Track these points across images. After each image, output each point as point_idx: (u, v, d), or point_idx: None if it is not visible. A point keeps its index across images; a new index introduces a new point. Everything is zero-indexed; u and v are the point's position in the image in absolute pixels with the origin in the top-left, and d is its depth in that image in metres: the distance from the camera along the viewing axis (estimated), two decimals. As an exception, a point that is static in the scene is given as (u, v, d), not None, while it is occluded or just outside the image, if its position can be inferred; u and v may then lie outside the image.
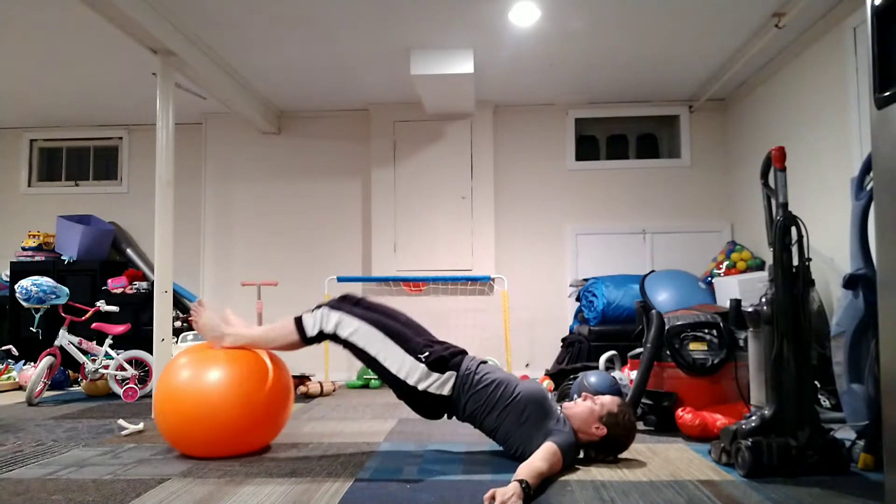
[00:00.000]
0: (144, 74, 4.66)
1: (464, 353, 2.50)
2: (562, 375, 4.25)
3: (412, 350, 2.40)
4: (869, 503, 1.87)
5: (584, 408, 2.36)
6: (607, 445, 2.36)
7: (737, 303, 2.51)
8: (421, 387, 2.37)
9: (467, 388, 2.38)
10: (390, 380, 2.41)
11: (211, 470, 2.31)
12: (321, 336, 2.45)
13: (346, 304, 2.51)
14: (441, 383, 2.38)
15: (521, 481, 1.92)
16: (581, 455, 2.39)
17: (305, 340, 2.47)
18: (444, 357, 2.40)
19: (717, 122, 5.44)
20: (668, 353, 3.05)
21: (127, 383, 4.14)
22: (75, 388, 4.76)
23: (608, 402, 2.38)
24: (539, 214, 5.51)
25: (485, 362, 2.50)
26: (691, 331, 3.08)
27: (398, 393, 2.43)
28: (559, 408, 2.40)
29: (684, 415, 2.79)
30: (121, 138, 6.01)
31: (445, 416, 2.47)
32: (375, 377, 4.79)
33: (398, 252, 5.36)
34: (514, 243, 5.50)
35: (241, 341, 2.56)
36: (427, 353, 2.39)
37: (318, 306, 2.50)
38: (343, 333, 2.42)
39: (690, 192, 5.43)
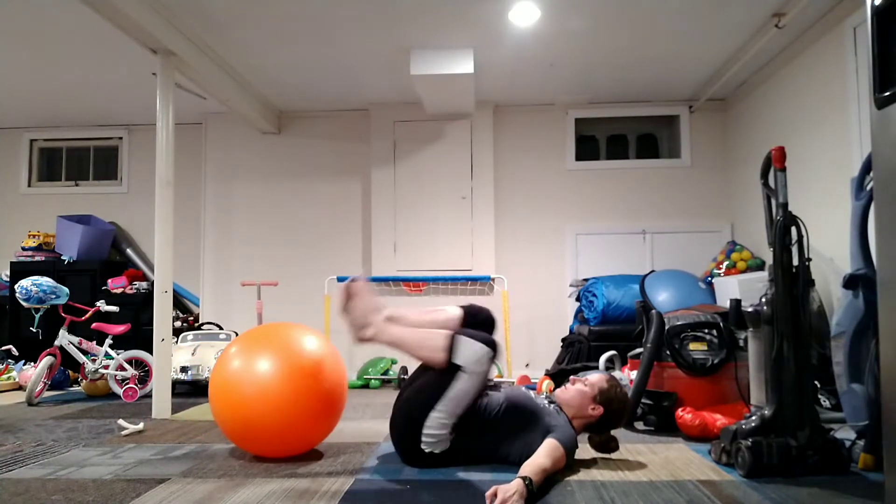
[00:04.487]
0: (144, 74, 4.66)
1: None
2: (562, 375, 4.24)
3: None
4: (869, 503, 1.87)
5: (576, 392, 2.36)
6: (606, 423, 2.37)
7: (737, 303, 2.50)
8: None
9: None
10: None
11: (211, 470, 2.31)
12: (457, 369, 2.22)
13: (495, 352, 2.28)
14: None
15: (524, 478, 1.91)
16: (581, 440, 2.37)
17: (447, 364, 2.23)
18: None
19: (717, 122, 5.44)
20: (668, 353, 3.05)
21: (127, 383, 4.15)
22: (75, 388, 4.76)
23: (596, 380, 2.39)
24: (539, 214, 5.50)
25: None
26: (691, 331, 3.08)
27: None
28: (546, 401, 2.38)
29: (684, 415, 2.79)
30: (121, 138, 6.01)
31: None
32: (375, 377, 4.81)
33: (398, 252, 5.36)
34: (514, 243, 5.50)
35: (385, 338, 2.34)
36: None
37: (487, 342, 2.24)
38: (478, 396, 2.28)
39: (690, 192, 5.43)
